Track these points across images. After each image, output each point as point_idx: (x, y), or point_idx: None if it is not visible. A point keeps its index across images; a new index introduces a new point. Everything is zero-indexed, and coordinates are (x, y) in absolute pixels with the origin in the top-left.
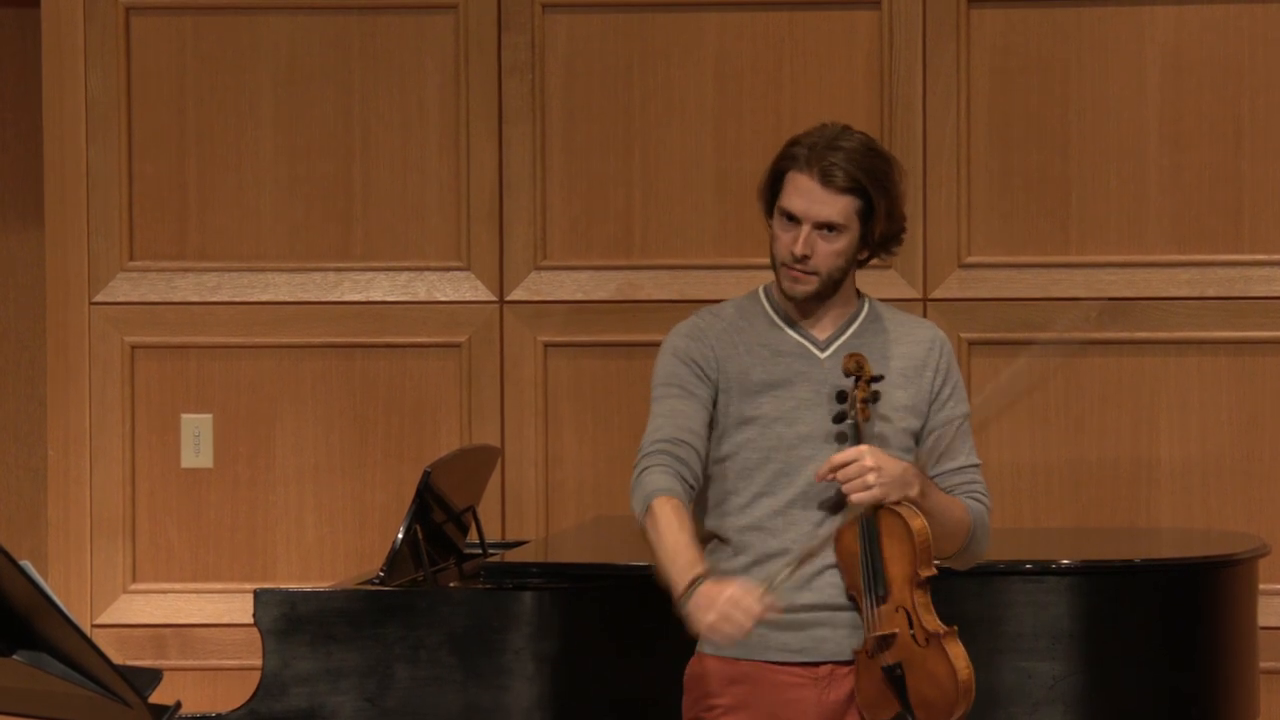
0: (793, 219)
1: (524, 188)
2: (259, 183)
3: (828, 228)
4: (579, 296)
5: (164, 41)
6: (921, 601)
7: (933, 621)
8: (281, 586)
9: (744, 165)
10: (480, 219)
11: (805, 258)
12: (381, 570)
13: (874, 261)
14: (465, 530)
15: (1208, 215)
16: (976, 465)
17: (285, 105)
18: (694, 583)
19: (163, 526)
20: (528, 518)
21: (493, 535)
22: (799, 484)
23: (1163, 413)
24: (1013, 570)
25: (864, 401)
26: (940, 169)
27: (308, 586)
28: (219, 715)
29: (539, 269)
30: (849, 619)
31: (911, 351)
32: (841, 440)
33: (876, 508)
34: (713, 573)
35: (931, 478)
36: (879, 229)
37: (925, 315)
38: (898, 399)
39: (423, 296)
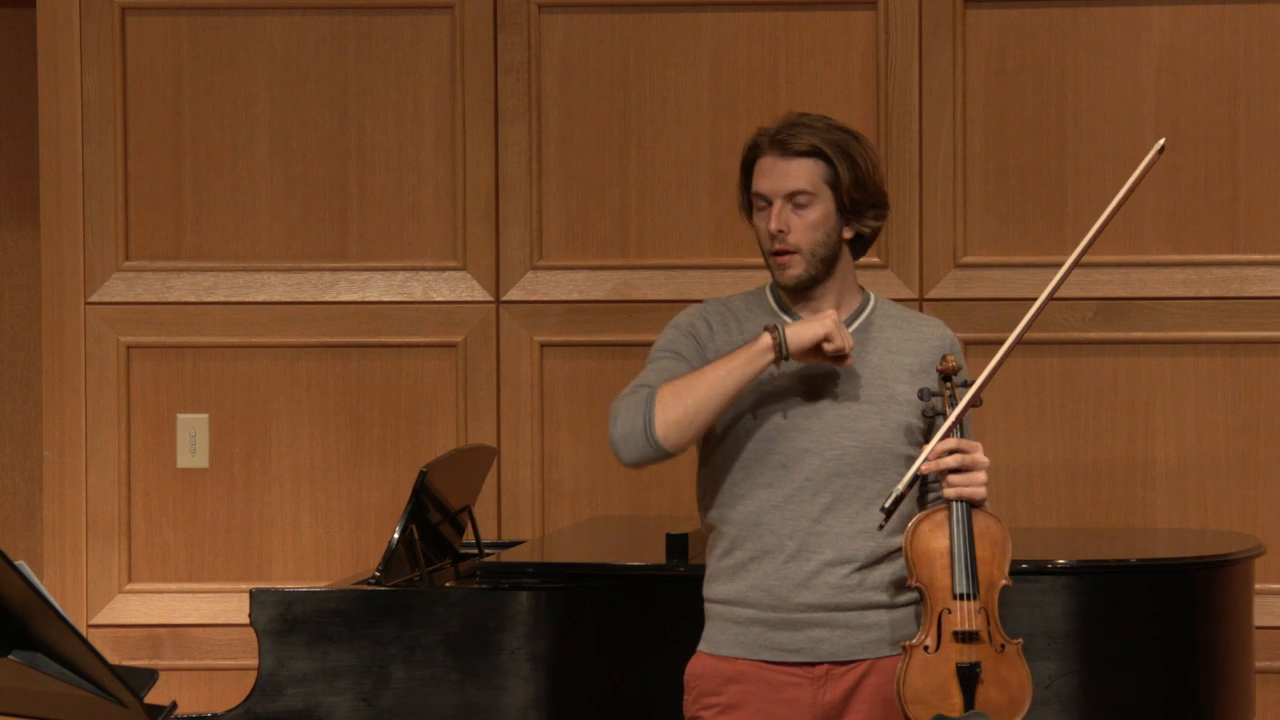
0: (764, 201)
1: (520, 188)
2: (255, 183)
3: (796, 198)
4: (575, 296)
5: (159, 42)
6: (997, 608)
7: (1002, 628)
8: (277, 586)
9: (740, 166)
10: (476, 219)
11: (781, 233)
12: (377, 570)
13: (874, 260)
14: (461, 530)
15: (1203, 216)
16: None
17: (281, 105)
18: (768, 337)
19: (158, 526)
20: (524, 518)
21: (489, 535)
22: (797, 476)
23: (1158, 413)
24: (1009, 570)
25: (970, 404)
26: (936, 169)
27: (303, 586)
28: (215, 715)
29: (535, 269)
30: (846, 619)
31: (920, 349)
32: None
33: (971, 506)
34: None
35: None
36: (848, 196)
37: None
38: (901, 392)
39: (419, 297)
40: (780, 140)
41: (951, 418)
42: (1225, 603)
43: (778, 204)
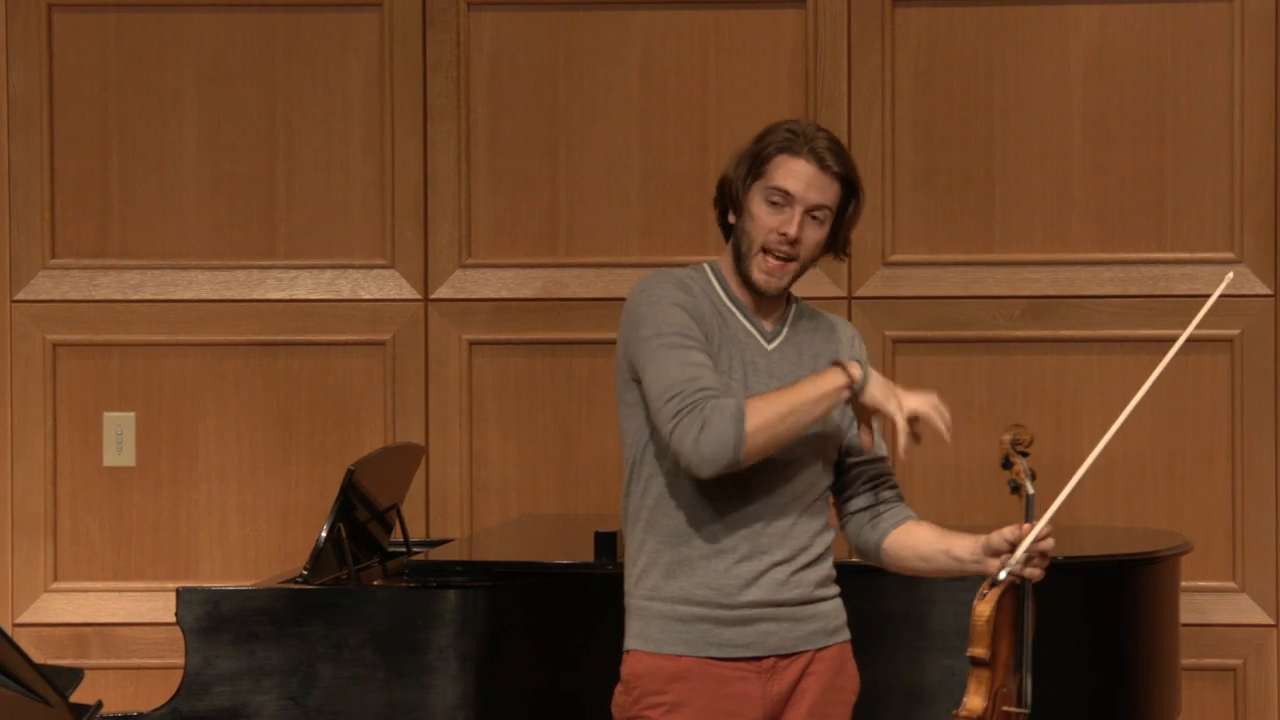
0: (783, 200)
1: (449, 185)
2: (182, 180)
3: (817, 212)
4: (504, 294)
5: (86, 38)
6: None
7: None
8: (204, 585)
9: (668, 164)
10: (405, 217)
11: (796, 241)
12: (305, 569)
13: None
14: (389, 529)
15: (1130, 214)
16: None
17: (209, 103)
18: (851, 374)
19: (85, 525)
20: (452, 516)
21: (417, 534)
22: (754, 479)
23: (1085, 411)
24: None
25: (1029, 472)
26: (864, 167)
27: (230, 585)
28: (141, 714)
29: (464, 267)
30: (791, 613)
31: (837, 349)
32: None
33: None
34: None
35: (866, 462)
36: (850, 225)
37: (850, 313)
38: None
39: (347, 294)
40: (820, 154)
41: (1050, 513)
42: (1152, 600)
43: (799, 211)
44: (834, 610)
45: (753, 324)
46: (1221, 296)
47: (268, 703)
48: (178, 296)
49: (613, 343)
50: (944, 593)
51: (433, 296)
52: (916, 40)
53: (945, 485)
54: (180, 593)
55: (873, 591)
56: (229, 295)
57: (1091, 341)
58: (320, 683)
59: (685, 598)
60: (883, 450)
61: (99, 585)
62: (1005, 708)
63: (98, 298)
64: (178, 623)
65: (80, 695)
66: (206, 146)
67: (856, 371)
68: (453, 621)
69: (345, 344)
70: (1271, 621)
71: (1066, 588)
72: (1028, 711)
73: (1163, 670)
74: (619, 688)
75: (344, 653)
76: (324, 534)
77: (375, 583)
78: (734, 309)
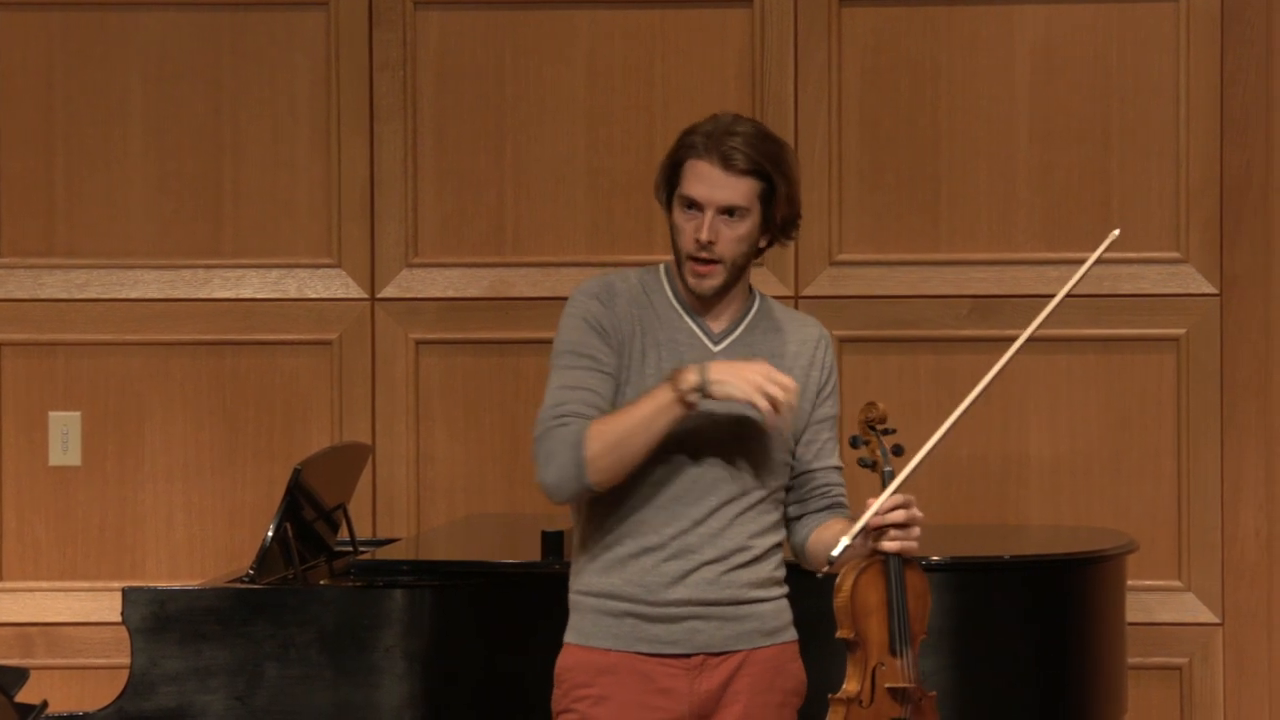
0: (694, 206)
1: (395, 185)
2: (128, 180)
3: (730, 212)
4: (450, 294)
5: (31, 37)
6: (918, 661)
7: (921, 682)
8: (150, 585)
9: (615, 163)
10: (351, 216)
11: (710, 244)
12: (251, 568)
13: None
14: (336, 528)
15: (1076, 214)
16: (841, 467)
17: (155, 102)
18: (692, 373)
19: (30, 525)
20: (399, 515)
21: (364, 533)
22: (686, 479)
23: (1032, 410)
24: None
25: (892, 450)
26: (811, 167)
27: (177, 585)
28: (86, 714)
29: (410, 266)
30: (722, 612)
31: (800, 350)
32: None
33: (904, 560)
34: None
35: (805, 473)
36: (780, 212)
37: None
38: None
39: (293, 294)
40: (723, 153)
41: (902, 475)
42: (1098, 599)
43: (710, 214)
44: (774, 611)
45: (699, 325)
46: (1167, 295)
47: (214, 702)
48: (123, 296)
49: None
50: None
51: (379, 296)
52: (863, 40)
53: None
54: (126, 592)
55: (818, 590)
56: (175, 294)
57: (1037, 341)
58: (267, 682)
59: (614, 594)
60: (827, 461)
61: (44, 585)
62: (889, 684)
63: (43, 297)
64: (124, 622)
65: (26, 695)
66: (152, 145)
67: (686, 382)
68: (400, 621)
69: (292, 343)
70: (1217, 620)
71: (1012, 586)
72: (913, 686)
73: (1109, 669)
74: (555, 682)
75: (291, 652)
76: (270, 533)
77: (322, 582)
78: (680, 310)
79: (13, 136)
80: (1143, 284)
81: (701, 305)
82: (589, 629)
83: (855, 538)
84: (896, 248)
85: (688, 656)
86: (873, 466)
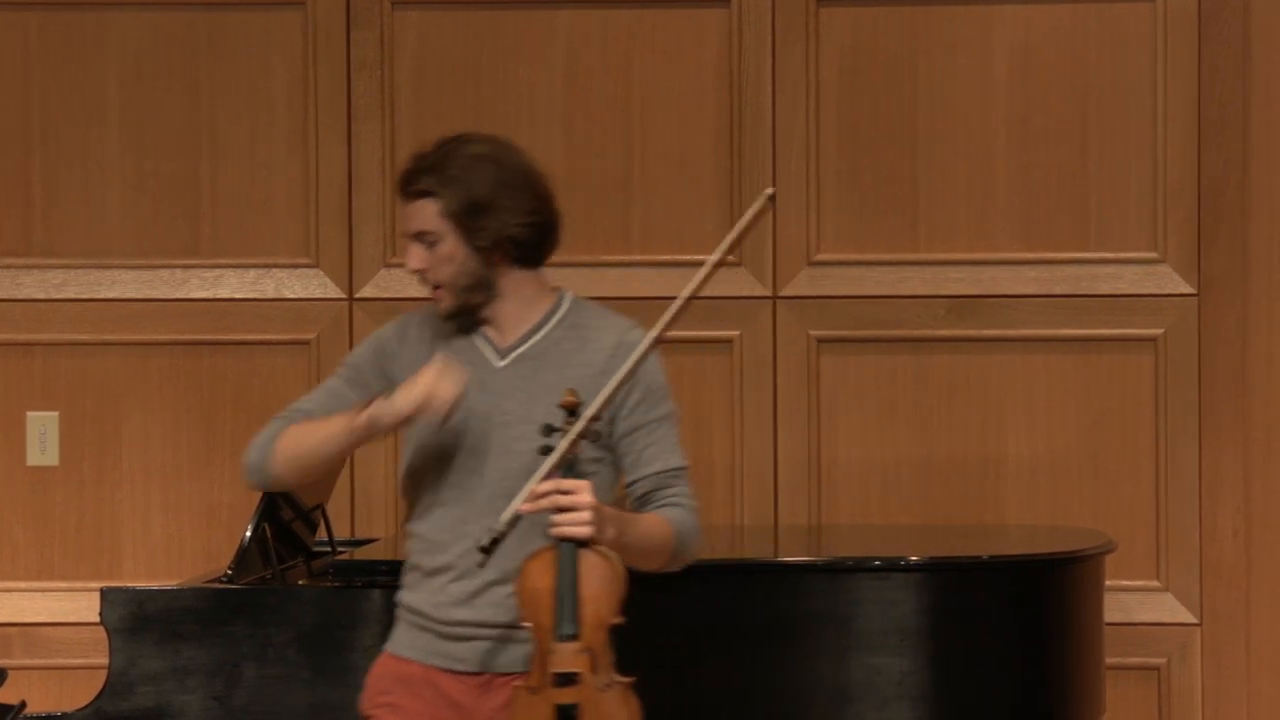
0: (406, 240)
1: (373, 185)
2: (105, 179)
3: (424, 238)
4: (427, 294)
5: (8, 37)
6: (607, 646)
7: (612, 668)
8: (128, 585)
9: (593, 164)
10: (329, 216)
11: (421, 272)
12: (229, 568)
13: (728, 258)
14: (314, 528)
15: (1055, 214)
16: (679, 469)
17: (132, 101)
18: (372, 404)
19: (8, 525)
20: (377, 516)
21: (342, 533)
22: (467, 498)
23: (1010, 410)
24: (861, 567)
25: (580, 436)
26: (789, 167)
27: (155, 585)
28: (65, 715)
29: (388, 266)
30: (508, 634)
31: (592, 360)
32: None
33: (580, 545)
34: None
35: (630, 484)
36: (464, 224)
37: (775, 313)
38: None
39: (271, 294)
40: (401, 180)
41: (554, 456)
42: (1076, 599)
43: (411, 243)
44: None
45: (487, 341)
46: (1145, 296)
47: (192, 702)
48: (101, 296)
49: None
50: (869, 591)
51: (357, 296)
52: (841, 40)
53: (870, 484)
54: (104, 592)
55: (796, 591)
56: (153, 294)
57: (1015, 341)
58: (245, 682)
59: (416, 609)
60: (669, 463)
61: (22, 585)
62: (554, 670)
63: (20, 297)
64: (102, 622)
65: (4, 695)
66: (130, 145)
67: (361, 420)
68: (378, 621)
69: (269, 343)
70: (1195, 621)
71: (990, 586)
72: (581, 672)
73: (1087, 670)
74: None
75: (269, 652)
76: (248, 533)
77: (300, 582)
78: (465, 332)
79: None
80: (1120, 284)
81: (487, 322)
82: (399, 637)
83: (508, 525)
84: (874, 248)
85: (477, 674)
86: (546, 455)
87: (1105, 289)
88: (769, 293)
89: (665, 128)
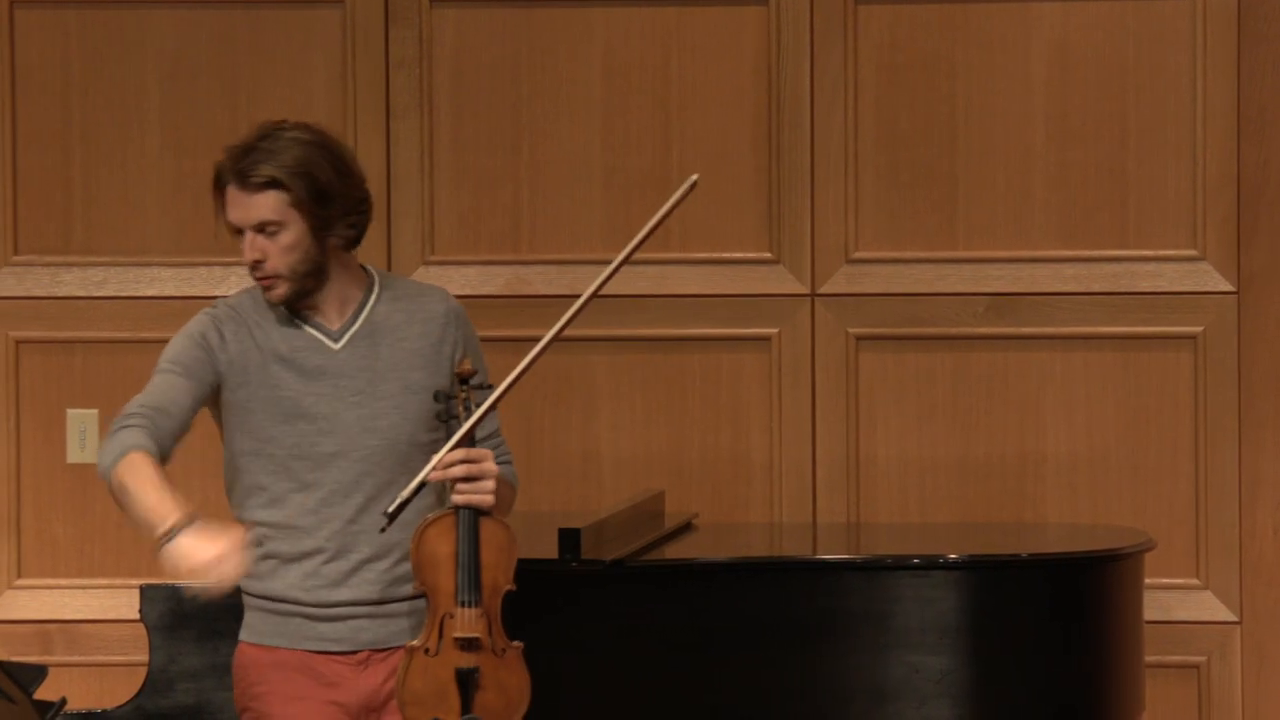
0: (239, 231)
1: (411, 183)
2: (144, 177)
3: (265, 228)
4: (467, 291)
5: (48, 34)
6: (499, 612)
7: (504, 633)
8: (168, 582)
9: (631, 161)
10: None
11: (259, 262)
12: None
13: (766, 255)
14: None
15: (1093, 211)
16: (498, 429)
17: (171, 100)
18: (175, 528)
19: (48, 522)
20: None
21: None
22: (330, 480)
23: (1049, 408)
24: (900, 565)
25: (477, 404)
26: (828, 165)
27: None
28: (105, 711)
29: (427, 264)
30: (385, 610)
31: (427, 330)
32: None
33: (480, 513)
34: (195, 520)
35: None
36: (313, 215)
37: (813, 310)
38: (416, 380)
39: None
40: (239, 172)
41: (465, 427)
42: (1116, 597)
43: (249, 234)
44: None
45: (317, 328)
46: (1184, 293)
47: (231, 700)
48: (141, 293)
49: (577, 340)
50: (908, 589)
51: None
52: (879, 37)
53: (908, 482)
54: (144, 590)
55: (835, 589)
56: (192, 292)
57: (1054, 338)
58: None
59: (280, 596)
60: (486, 430)
61: (63, 582)
62: (456, 635)
63: (60, 294)
64: (141, 620)
65: (44, 692)
66: (169, 143)
67: (157, 539)
68: None
69: None
70: (1235, 619)
71: (1030, 584)
72: (481, 636)
73: (1126, 668)
74: (234, 681)
75: None
76: None
77: None
78: (292, 320)
79: (30, 135)
80: (1160, 282)
81: (309, 309)
82: (260, 626)
83: (413, 492)
84: (913, 245)
85: (354, 653)
86: (446, 422)
87: (1144, 286)
88: (807, 290)
89: (703, 126)
